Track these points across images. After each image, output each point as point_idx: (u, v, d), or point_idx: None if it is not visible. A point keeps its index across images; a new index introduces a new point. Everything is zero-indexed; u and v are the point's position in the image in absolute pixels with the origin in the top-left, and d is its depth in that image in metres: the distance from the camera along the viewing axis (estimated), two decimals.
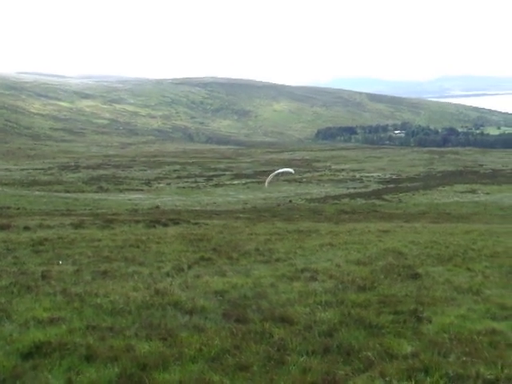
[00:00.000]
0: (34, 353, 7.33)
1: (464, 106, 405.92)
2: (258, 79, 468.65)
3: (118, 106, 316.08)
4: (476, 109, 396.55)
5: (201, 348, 7.56)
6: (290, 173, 68.18)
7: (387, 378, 6.69)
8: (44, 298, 10.24)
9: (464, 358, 7.25)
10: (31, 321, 8.75)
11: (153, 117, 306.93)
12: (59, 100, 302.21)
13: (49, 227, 23.81)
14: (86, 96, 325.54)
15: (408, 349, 7.70)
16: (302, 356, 7.40)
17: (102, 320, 8.93)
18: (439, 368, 6.94)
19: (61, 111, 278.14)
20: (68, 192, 66.08)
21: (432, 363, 7.07)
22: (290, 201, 60.64)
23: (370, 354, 7.39)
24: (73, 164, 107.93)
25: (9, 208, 43.54)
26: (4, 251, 16.34)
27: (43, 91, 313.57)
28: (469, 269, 14.01)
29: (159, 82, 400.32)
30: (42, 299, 10.18)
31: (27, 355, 7.29)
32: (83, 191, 68.73)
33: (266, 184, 66.28)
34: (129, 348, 7.54)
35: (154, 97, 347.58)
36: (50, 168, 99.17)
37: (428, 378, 6.69)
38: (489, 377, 6.68)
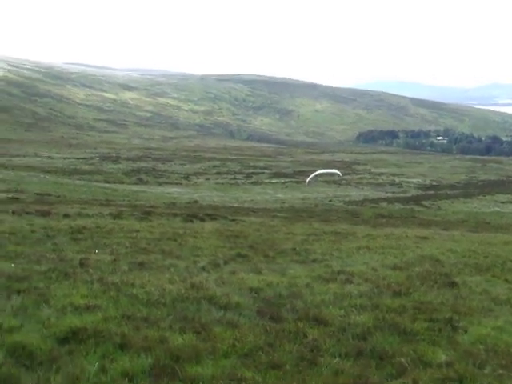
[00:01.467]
0: (70, 338, 7.44)
1: (509, 115, 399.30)
2: (300, 79, 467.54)
3: (161, 100, 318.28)
4: None
5: (234, 344, 7.58)
6: (338, 174, 67.94)
7: None
8: (81, 286, 10.37)
9: (500, 371, 7.13)
10: (68, 307, 8.87)
11: (195, 112, 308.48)
12: (104, 91, 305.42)
13: (88, 216, 24.12)
14: (130, 88, 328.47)
15: (442, 357, 7.61)
16: (335, 358, 7.38)
17: (137, 310, 9.01)
18: (474, 379, 6.85)
19: (105, 102, 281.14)
20: (108, 182, 66.82)
21: (467, 374, 6.97)
22: (330, 200, 60.66)
23: (403, 360, 7.33)
24: (114, 155, 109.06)
25: (49, 195, 44.13)
26: (44, 237, 16.60)
27: (88, 82, 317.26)
28: (507, 280, 13.78)
29: (203, 78, 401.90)
30: (79, 286, 10.32)
31: (63, 340, 7.40)
32: (123, 182, 69.42)
33: (307, 181, 66.26)
34: (163, 339, 7.60)
35: (197, 92, 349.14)
36: (91, 158, 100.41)
37: None
38: None
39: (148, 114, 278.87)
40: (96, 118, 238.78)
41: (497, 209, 57.57)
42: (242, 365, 6.96)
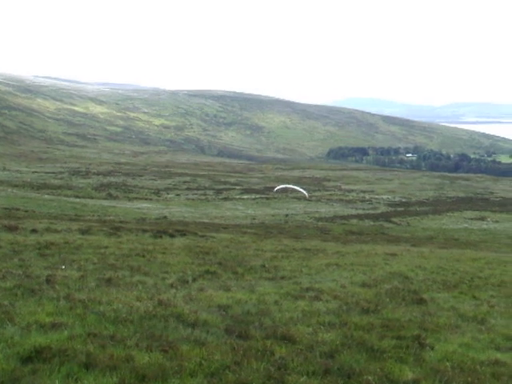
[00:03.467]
0: (34, 357, 7.32)
1: (477, 133, 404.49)
2: (271, 95, 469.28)
3: (131, 115, 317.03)
4: (489, 136, 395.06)
5: (201, 362, 7.53)
6: (304, 194, 68.26)
7: None
8: (47, 303, 10.24)
9: None
10: (33, 325, 8.76)
11: (166, 127, 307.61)
12: (74, 105, 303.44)
13: (56, 231, 23.85)
14: (101, 103, 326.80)
15: (409, 375, 7.64)
16: (302, 376, 7.36)
17: (104, 328, 8.91)
18: None
19: (75, 116, 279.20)
20: (77, 197, 66.24)
21: None
22: (286, 215, 61.18)
23: (370, 378, 7.34)
24: (83, 169, 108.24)
25: (17, 210, 43.61)
26: (10, 253, 16.37)
27: (58, 95, 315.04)
28: (475, 297, 13.92)
29: (174, 93, 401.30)
30: (45, 303, 10.19)
31: (27, 359, 7.28)
32: (92, 197, 68.88)
33: (276, 189, 66.66)
34: (129, 358, 7.51)
35: (169, 107, 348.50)
36: (60, 172, 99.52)
37: None
38: None
39: (118, 129, 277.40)
40: (66, 132, 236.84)
41: (465, 225, 58.13)
42: None
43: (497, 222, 62.03)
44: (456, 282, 16.18)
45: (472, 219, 63.75)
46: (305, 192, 67.27)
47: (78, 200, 62.12)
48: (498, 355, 8.84)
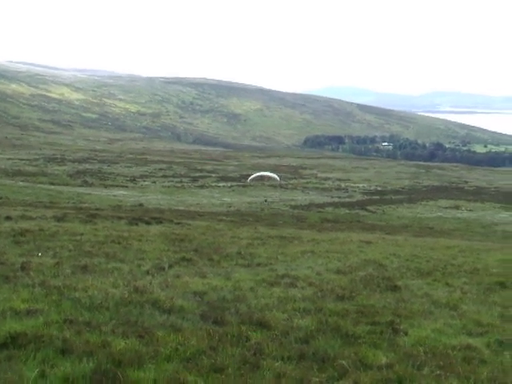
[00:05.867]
0: (10, 343, 7.30)
1: (453, 123, 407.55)
2: (248, 83, 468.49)
3: (107, 101, 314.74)
4: (464, 126, 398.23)
5: (177, 348, 7.57)
6: (276, 179, 68.32)
7: None
8: (22, 289, 10.18)
9: (438, 372, 7.32)
10: (8, 311, 8.70)
11: (142, 114, 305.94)
12: (49, 91, 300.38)
13: (31, 218, 23.69)
14: (77, 89, 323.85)
15: (383, 360, 7.75)
16: (278, 361, 7.44)
17: (80, 314, 8.90)
18: (413, 380, 7.01)
19: (50, 103, 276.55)
20: (52, 184, 65.67)
21: (406, 375, 7.13)
22: (266, 200, 61.56)
23: (344, 362, 7.43)
24: (59, 156, 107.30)
25: None
26: None
27: (33, 81, 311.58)
28: (448, 284, 14.10)
29: (150, 80, 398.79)
30: (20, 290, 10.13)
31: (2, 345, 7.25)
32: (68, 184, 68.35)
33: (249, 180, 66.80)
34: (105, 344, 7.52)
35: (145, 94, 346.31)
36: (35, 159, 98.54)
37: None
38: None
39: (94, 116, 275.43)
40: (41, 119, 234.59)
41: (439, 214, 58.62)
42: (184, 369, 6.95)
43: (471, 210, 62.67)
44: (430, 270, 16.38)
45: (446, 208, 64.32)
46: (276, 176, 67.33)
47: (53, 187, 61.61)
48: (470, 340, 9.00)
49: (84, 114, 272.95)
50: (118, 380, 6.46)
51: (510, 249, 26.87)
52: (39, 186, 61.44)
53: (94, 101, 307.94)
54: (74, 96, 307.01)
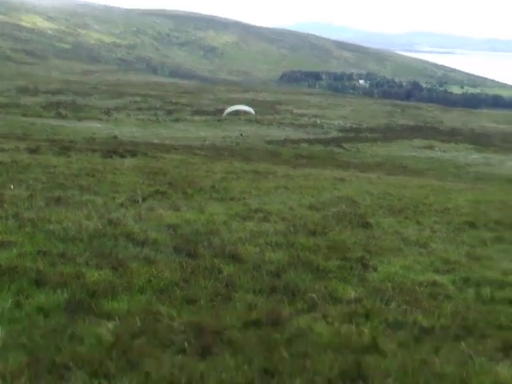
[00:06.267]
0: None
1: (430, 63, 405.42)
2: (226, 17, 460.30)
3: (82, 32, 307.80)
4: (442, 66, 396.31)
5: (150, 279, 7.67)
6: (251, 113, 68.06)
7: (329, 320, 6.91)
8: None
9: (404, 307, 7.51)
10: None
11: (117, 45, 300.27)
12: (21, 20, 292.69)
13: (3, 150, 23.41)
14: (49, 18, 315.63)
15: (352, 294, 7.93)
16: (249, 294, 7.58)
17: (54, 246, 8.93)
18: (380, 314, 7.19)
19: (21, 31, 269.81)
20: (25, 116, 64.70)
21: (374, 309, 7.32)
22: (241, 134, 61.54)
23: (314, 296, 7.59)
24: (31, 88, 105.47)
25: None
26: None
27: (3, 8, 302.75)
28: (418, 222, 14.30)
29: (127, 11, 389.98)
30: None
31: None
32: (41, 116, 67.41)
33: (224, 114, 66.57)
34: (79, 275, 7.59)
35: (121, 25, 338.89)
36: (7, 90, 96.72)
37: (368, 323, 6.93)
38: (425, 325, 6.95)
39: (68, 46, 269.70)
40: (13, 48, 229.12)
41: (414, 153, 58.97)
42: (157, 300, 7.07)
43: (444, 151, 63.10)
44: (401, 208, 16.57)
45: (420, 147, 64.67)
46: (252, 110, 67.15)
47: (25, 119, 60.75)
48: (437, 277, 9.21)
49: (57, 44, 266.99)
50: (92, 310, 6.55)
51: (481, 190, 27.26)
52: (11, 117, 60.58)
53: (68, 30, 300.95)
54: (47, 25, 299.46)
